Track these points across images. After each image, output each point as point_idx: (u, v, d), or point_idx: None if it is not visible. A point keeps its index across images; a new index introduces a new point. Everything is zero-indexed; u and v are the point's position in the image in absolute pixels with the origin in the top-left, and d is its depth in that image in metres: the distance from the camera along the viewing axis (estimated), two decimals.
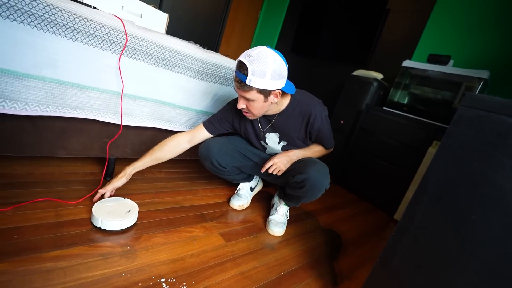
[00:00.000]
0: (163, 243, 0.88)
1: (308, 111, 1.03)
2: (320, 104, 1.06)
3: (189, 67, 1.10)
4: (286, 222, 1.18)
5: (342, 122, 2.18)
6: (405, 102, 1.97)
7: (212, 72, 1.18)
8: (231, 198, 1.25)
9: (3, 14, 0.71)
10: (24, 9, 0.74)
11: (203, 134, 1.09)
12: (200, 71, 1.14)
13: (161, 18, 1.39)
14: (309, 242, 1.19)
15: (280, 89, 0.91)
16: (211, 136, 1.11)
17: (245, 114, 0.99)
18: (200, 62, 1.12)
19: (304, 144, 1.13)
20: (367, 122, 1.98)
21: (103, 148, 1.04)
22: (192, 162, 1.63)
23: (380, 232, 1.55)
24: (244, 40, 3.51)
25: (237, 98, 1.09)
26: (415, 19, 2.24)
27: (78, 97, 0.90)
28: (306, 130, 1.07)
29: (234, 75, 0.88)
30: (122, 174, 0.98)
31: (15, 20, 0.73)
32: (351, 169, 2.05)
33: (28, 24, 0.75)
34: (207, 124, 1.10)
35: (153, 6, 1.36)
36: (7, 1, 0.71)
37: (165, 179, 1.33)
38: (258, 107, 0.92)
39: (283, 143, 1.11)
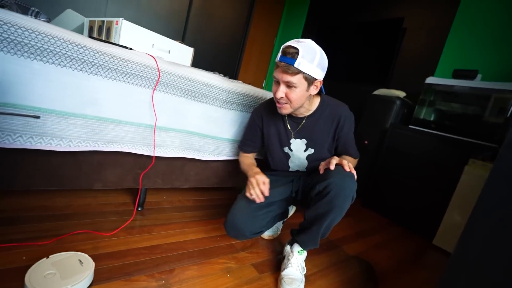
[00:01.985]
0: (196, 276, 0.86)
1: (338, 113, 1.01)
2: (348, 108, 1.04)
3: (216, 98, 1.14)
4: (304, 278, 0.94)
5: (366, 142, 2.13)
6: (432, 119, 1.91)
7: (238, 101, 1.21)
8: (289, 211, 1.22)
9: (56, 61, 0.78)
10: (73, 56, 0.81)
11: (252, 155, 1.18)
12: (227, 101, 1.17)
13: (187, 52, 1.47)
14: (345, 273, 1.12)
15: (321, 81, 0.91)
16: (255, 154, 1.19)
17: (280, 106, 0.93)
18: (227, 92, 1.16)
19: (329, 154, 1.07)
20: (394, 141, 1.92)
21: (136, 179, 1.07)
22: (220, 190, 1.63)
23: (419, 259, 1.43)
24: (261, 65, 3.62)
25: (261, 105, 1.13)
26: (433, 35, 2.23)
27: (115, 131, 0.95)
28: (335, 135, 1.03)
29: (277, 61, 0.87)
30: (258, 174, 0.94)
31: (64, 66, 0.80)
32: (380, 191, 1.97)
33: (76, 68, 0.82)
34: (246, 148, 1.15)
35: (179, 42, 1.44)
36: (59, 50, 0.78)
37: (193, 207, 1.33)
38: (298, 96, 0.89)
39: (309, 151, 1.05)
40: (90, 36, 1.13)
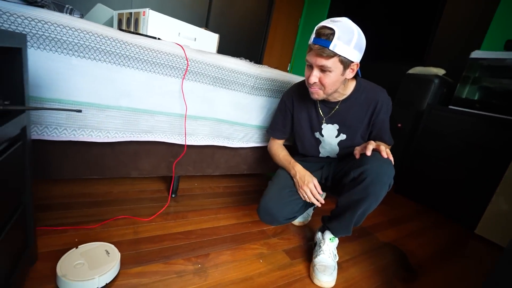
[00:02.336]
0: (230, 261, 0.89)
1: (375, 98, 0.94)
2: (386, 93, 0.97)
3: (244, 84, 1.12)
4: (336, 266, 0.93)
5: (399, 125, 2.01)
6: (477, 98, 1.74)
7: (266, 87, 1.18)
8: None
9: (91, 56, 0.81)
10: (106, 49, 0.83)
11: (281, 142, 1.15)
12: (255, 87, 1.15)
13: (212, 39, 1.45)
14: (378, 261, 1.09)
15: (358, 63, 0.85)
16: (284, 141, 1.16)
17: (313, 91, 0.89)
18: (254, 78, 1.13)
19: (362, 140, 1.02)
20: (431, 123, 1.78)
21: (169, 167, 1.11)
22: (249, 176, 1.65)
23: (459, 250, 1.35)
24: (285, 48, 3.51)
25: (291, 88, 1.09)
26: (481, 2, 1.98)
27: (148, 121, 0.98)
28: (370, 122, 0.97)
29: (310, 43, 0.82)
30: (302, 172, 0.98)
31: (99, 60, 0.83)
32: (415, 176, 1.86)
33: (109, 61, 0.84)
34: (276, 134, 1.12)
35: (204, 29, 1.43)
36: (94, 44, 0.80)
37: (224, 194, 1.37)
38: (333, 80, 0.84)
39: (341, 137, 1.00)
40: (120, 29, 1.16)
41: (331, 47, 0.76)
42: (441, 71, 1.89)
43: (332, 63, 0.80)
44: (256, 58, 3.20)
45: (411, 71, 2.02)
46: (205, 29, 1.44)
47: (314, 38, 0.80)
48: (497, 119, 1.51)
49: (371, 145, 0.80)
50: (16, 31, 0.71)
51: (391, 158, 0.80)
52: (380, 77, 2.56)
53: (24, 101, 0.59)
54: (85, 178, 1.20)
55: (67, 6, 1.23)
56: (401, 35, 2.51)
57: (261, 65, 1.23)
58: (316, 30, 0.80)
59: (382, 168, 0.80)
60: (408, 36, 2.44)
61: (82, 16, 1.31)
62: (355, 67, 0.85)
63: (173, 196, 1.21)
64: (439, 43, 2.23)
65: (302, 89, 1.04)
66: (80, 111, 0.60)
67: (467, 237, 1.49)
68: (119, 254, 0.76)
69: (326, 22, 0.79)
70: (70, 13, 1.22)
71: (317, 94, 0.89)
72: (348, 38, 0.77)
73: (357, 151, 0.86)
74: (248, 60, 1.30)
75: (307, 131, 1.06)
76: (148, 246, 0.87)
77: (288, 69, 3.63)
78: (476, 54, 1.67)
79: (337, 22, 0.77)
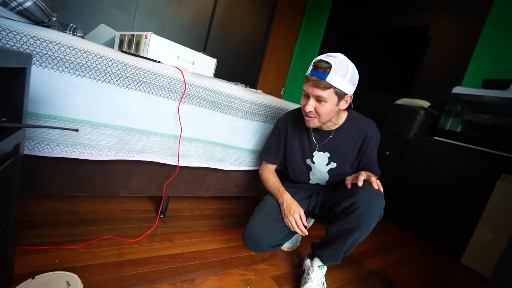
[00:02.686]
0: (217, 287, 0.87)
1: (365, 129, 1.00)
2: (375, 125, 1.03)
3: (239, 109, 1.15)
4: None
5: (387, 153, 2.07)
6: (460, 130, 1.83)
7: (260, 112, 1.22)
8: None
9: (92, 75, 0.83)
10: (107, 70, 0.85)
11: (272, 167, 1.17)
12: (249, 112, 1.19)
13: (210, 63, 1.51)
14: None
15: (351, 96, 0.90)
16: (275, 166, 1.17)
17: (308, 119, 0.93)
18: (249, 103, 1.17)
19: (351, 169, 1.05)
20: (418, 152, 1.85)
21: (159, 188, 1.10)
22: (239, 199, 1.64)
23: (446, 279, 1.36)
24: (280, 74, 3.64)
25: (286, 114, 1.13)
26: (460, 42, 2.15)
27: (142, 141, 0.98)
28: (359, 152, 1.01)
29: (308, 74, 0.87)
30: (290, 201, 0.99)
31: (99, 80, 0.85)
32: (402, 204, 1.89)
33: (109, 82, 0.87)
34: (269, 159, 1.14)
35: (203, 53, 1.49)
36: (95, 65, 0.83)
37: (213, 216, 1.35)
38: (328, 110, 0.88)
39: (331, 165, 1.03)
40: (121, 50, 1.19)
41: (327, 79, 0.82)
42: (426, 103, 1.99)
43: (327, 94, 0.85)
44: (251, 82, 3.30)
45: (398, 102, 2.12)
46: (203, 53, 1.50)
47: (312, 70, 0.86)
48: (479, 151, 1.58)
49: (362, 176, 0.83)
50: (21, 49, 0.73)
51: (381, 189, 0.83)
52: (370, 107, 2.68)
53: (21, 118, 0.60)
54: (73, 195, 1.17)
55: (71, 25, 1.28)
56: (390, 68, 2.66)
57: (256, 91, 1.28)
58: (314, 63, 0.86)
59: (373, 199, 0.83)
60: (396, 69, 2.59)
61: (84, 35, 1.36)
62: (348, 99, 0.91)
63: (161, 216, 1.19)
64: (424, 77, 2.37)
65: (296, 116, 1.08)
66: (77, 130, 0.61)
67: (452, 267, 1.50)
68: (82, 285, 0.70)
69: (324, 57, 0.85)
70: (73, 32, 1.26)
71: (312, 122, 0.93)
72: (343, 72, 0.83)
73: (348, 181, 0.89)
74: (243, 85, 1.35)
75: (298, 157, 1.08)
76: (132, 269, 0.85)
77: (282, 93, 3.74)
78: (457, 89, 1.78)
79: (333, 57, 0.84)
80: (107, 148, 0.92)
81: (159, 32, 1.90)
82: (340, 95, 0.87)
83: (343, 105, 0.91)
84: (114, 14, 2.26)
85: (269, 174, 1.13)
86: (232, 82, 1.31)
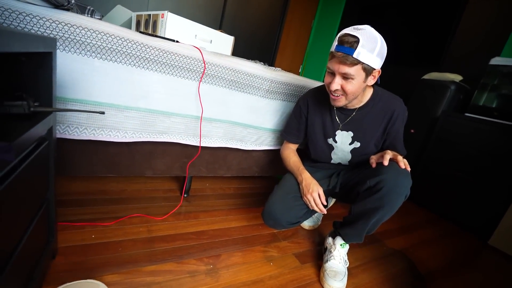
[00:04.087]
0: (241, 263, 0.90)
1: (392, 107, 0.94)
2: (403, 103, 0.97)
3: (259, 88, 1.13)
4: (347, 271, 0.94)
5: (412, 131, 1.98)
6: (495, 105, 1.70)
7: (281, 91, 1.19)
8: None
9: (113, 58, 0.84)
10: (127, 52, 0.85)
11: (294, 147, 1.15)
12: (270, 90, 1.16)
13: (228, 41, 1.47)
14: (388, 269, 1.08)
15: (379, 71, 0.85)
16: (297, 146, 1.16)
17: (334, 98, 0.88)
18: (270, 81, 1.14)
19: (375, 149, 1.01)
20: (445, 130, 1.75)
21: (182, 168, 1.13)
22: (259, 178, 1.66)
23: (472, 261, 1.33)
24: (298, 51, 3.50)
25: (307, 93, 1.09)
26: (503, 7, 1.93)
27: (164, 123, 1.00)
28: (385, 131, 0.96)
29: (333, 50, 0.81)
30: (309, 180, 0.99)
31: (120, 62, 0.85)
32: (427, 184, 1.83)
33: (130, 63, 0.87)
34: (290, 138, 1.13)
35: (220, 31, 1.45)
36: (116, 47, 0.83)
37: (235, 195, 1.38)
38: (355, 87, 0.84)
39: (355, 145, 0.99)
40: (139, 31, 1.18)
41: (355, 55, 0.76)
42: (458, 77, 1.85)
43: (355, 71, 0.79)
44: (269, 60, 3.20)
45: (426, 76, 1.99)
46: (220, 31, 1.46)
47: (337, 45, 0.79)
48: None
49: (388, 155, 0.80)
50: (45, 34, 0.74)
51: (409, 168, 0.79)
52: (394, 82, 2.53)
53: (51, 102, 0.62)
54: (100, 176, 1.23)
55: (88, 7, 1.27)
56: (417, 39, 2.47)
57: (275, 68, 1.24)
58: (339, 37, 0.79)
59: (399, 179, 0.80)
60: (424, 41, 2.40)
61: (102, 17, 1.35)
62: (376, 74, 0.85)
63: (185, 196, 1.23)
64: (456, 49, 2.18)
65: (318, 94, 1.04)
66: (103, 113, 0.62)
67: (480, 248, 1.46)
68: None
69: (350, 30, 0.78)
70: (91, 15, 1.26)
71: (339, 101, 0.89)
72: (372, 46, 0.77)
73: (373, 159, 0.86)
74: (262, 63, 1.31)
75: (320, 136, 1.06)
76: (161, 245, 0.89)
77: (300, 71, 3.62)
78: (495, 61, 1.63)
79: (361, 30, 0.77)
80: (131, 130, 0.94)
81: (174, 11, 1.86)
82: (368, 70, 0.81)
83: (371, 81, 0.86)
84: None
85: (290, 153, 1.11)
86: (250, 60, 1.28)
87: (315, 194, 0.95)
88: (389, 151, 0.82)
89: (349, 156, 1.04)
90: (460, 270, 1.21)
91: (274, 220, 0.99)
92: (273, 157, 1.33)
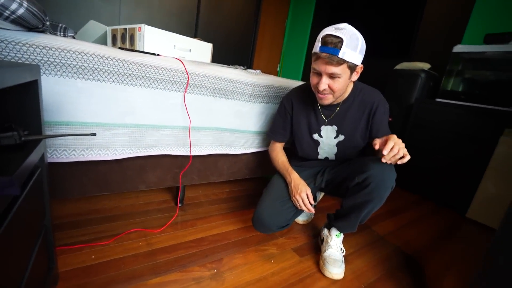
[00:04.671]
0: (244, 263, 0.93)
1: (371, 99, 0.98)
2: (381, 95, 1.01)
3: (242, 93, 1.16)
4: (343, 259, 1.00)
5: (390, 119, 2.08)
6: (461, 90, 1.83)
7: (263, 93, 1.23)
8: None
9: (96, 77, 0.84)
10: (109, 70, 0.85)
11: (281, 145, 1.17)
12: (253, 95, 1.19)
13: (206, 49, 1.49)
14: (380, 252, 1.15)
15: (361, 66, 0.89)
16: (283, 144, 1.18)
17: (322, 97, 0.91)
18: (252, 86, 1.18)
19: (362, 142, 1.05)
20: (420, 117, 1.87)
21: (175, 178, 1.14)
22: (249, 180, 1.69)
23: (454, 234, 1.44)
24: (274, 50, 3.56)
25: (291, 92, 1.11)
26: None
27: (153, 136, 1.01)
28: (368, 122, 1.00)
29: (317, 52, 0.83)
30: (297, 181, 1.02)
31: (103, 80, 0.85)
32: (408, 168, 1.94)
33: (113, 81, 0.87)
34: (276, 137, 1.15)
35: (198, 39, 1.46)
36: (97, 66, 0.83)
37: (228, 199, 1.40)
38: (342, 85, 0.87)
39: (340, 138, 1.04)
40: (116, 46, 1.18)
41: (340, 55, 0.79)
42: (426, 66, 1.97)
43: (341, 70, 0.83)
44: (247, 62, 3.24)
45: (398, 66, 2.10)
46: (198, 39, 1.48)
47: (321, 46, 0.82)
48: (481, 109, 1.60)
49: (391, 143, 0.76)
50: (22, 59, 0.73)
51: (407, 157, 0.77)
52: (369, 74, 2.64)
53: (41, 129, 0.62)
54: (92, 195, 1.21)
55: (60, 25, 1.24)
56: (387, 32, 2.60)
57: (256, 71, 1.27)
58: (322, 38, 0.81)
59: (385, 173, 0.86)
60: (394, 33, 2.53)
61: (75, 34, 1.32)
62: (359, 70, 0.90)
63: (180, 205, 1.24)
64: (423, 38, 2.32)
65: (300, 93, 1.08)
66: (94, 134, 0.63)
67: (459, 222, 1.58)
68: None
69: (331, 30, 0.81)
70: (64, 32, 1.23)
71: (326, 99, 0.92)
72: (354, 44, 0.81)
73: (377, 141, 0.84)
74: (242, 67, 1.34)
75: (305, 133, 1.09)
76: (163, 257, 0.91)
77: (278, 69, 3.68)
78: (457, 48, 1.76)
79: (342, 29, 0.80)
80: (121, 146, 0.95)
81: (147, 21, 1.84)
82: (353, 68, 0.85)
83: (355, 77, 0.90)
84: (98, 6, 2.17)
85: (278, 154, 1.15)
86: (231, 66, 1.31)
87: (303, 194, 0.99)
88: (393, 136, 0.79)
89: (335, 150, 1.08)
90: (444, 243, 1.30)
91: (264, 226, 1.02)
92: (261, 158, 1.37)
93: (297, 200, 1.00)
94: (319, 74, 0.87)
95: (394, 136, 0.79)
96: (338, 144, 1.06)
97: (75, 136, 0.85)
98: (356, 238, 1.22)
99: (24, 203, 0.50)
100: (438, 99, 1.82)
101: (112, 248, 0.91)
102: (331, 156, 1.11)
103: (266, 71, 1.50)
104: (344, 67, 0.83)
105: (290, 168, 1.08)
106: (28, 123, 0.60)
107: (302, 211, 1.07)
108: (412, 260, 1.13)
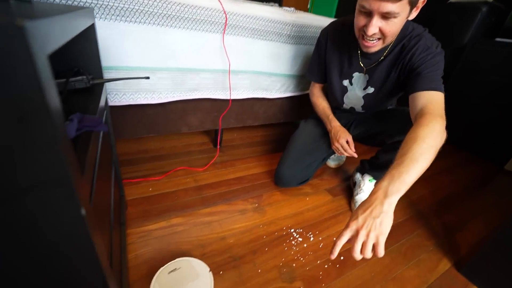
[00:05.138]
0: (281, 200, 1.03)
1: (410, 45, 0.78)
2: (427, 36, 0.79)
3: (280, 33, 1.10)
4: None
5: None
6: None
7: (301, 34, 1.15)
8: (329, 158, 1.29)
9: (137, 19, 0.83)
10: (149, 11, 0.83)
11: (320, 88, 1.11)
12: (291, 36, 1.13)
13: None
14: (410, 196, 1.20)
15: (424, 0, 0.69)
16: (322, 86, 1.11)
17: (369, 45, 0.75)
18: (290, 26, 1.10)
19: (390, 98, 0.92)
20: (471, 60, 1.68)
21: (214, 121, 1.19)
22: (283, 125, 1.71)
23: (488, 184, 1.43)
24: None
25: (330, 26, 0.97)
26: None
27: (194, 80, 1.02)
28: (400, 74, 0.82)
29: None
30: (337, 128, 0.98)
31: (144, 22, 0.84)
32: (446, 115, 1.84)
33: (154, 23, 0.86)
34: (313, 77, 1.07)
35: None
36: (138, 7, 0.81)
37: (262, 142, 1.46)
38: (397, 27, 0.71)
39: (368, 90, 0.93)
40: None
41: None
42: None
43: (400, 7, 0.65)
44: None
45: None
46: None
47: None
48: None
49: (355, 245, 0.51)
50: (68, 3, 0.73)
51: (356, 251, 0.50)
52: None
53: (101, 73, 0.66)
54: (139, 137, 1.31)
55: None
56: None
57: (290, 9, 1.17)
58: None
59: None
60: None
61: None
62: (420, 4, 0.70)
63: (219, 147, 1.32)
64: None
65: (340, 27, 0.94)
66: (148, 77, 0.66)
67: (496, 173, 1.55)
68: (210, 272, 0.66)
69: None
70: None
71: (375, 47, 0.76)
72: None
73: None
74: (277, 3, 1.24)
75: (335, 75, 0.99)
76: (209, 191, 1.02)
77: (308, 7, 3.33)
78: None
79: None
80: (164, 90, 0.98)
81: None
82: (414, 3, 0.66)
83: (414, 14, 0.71)
84: None
85: (318, 99, 1.10)
86: (266, 3, 1.21)
87: (342, 141, 0.95)
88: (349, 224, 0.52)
89: (361, 102, 1.00)
90: (476, 193, 1.32)
91: (284, 184, 1.06)
92: (296, 103, 1.36)
93: (337, 148, 0.98)
94: (369, 14, 0.69)
95: (351, 224, 0.51)
96: (365, 97, 0.98)
97: (125, 81, 0.89)
98: None
99: (103, 140, 0.56)
100: (498, 39, 1.60)
101: (164, 183, 1.03)
102: (358, 107, 1.04)
103: (296, 7, 1.36)
104: (404, 3, 0.64)
105: (331, 115, 1.04)
106: (90, 68, 0.64)
107: (322, 164, 1.08)
108: (441, 204, 1.17)
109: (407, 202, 1.15)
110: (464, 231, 1.03)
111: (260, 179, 1.13)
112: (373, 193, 0.53)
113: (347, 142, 0.96)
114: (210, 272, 0.66)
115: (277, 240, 0.84)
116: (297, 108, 1.39)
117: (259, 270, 0.74)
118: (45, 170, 0.22)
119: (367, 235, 0.48)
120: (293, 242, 0.84)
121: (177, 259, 0.68)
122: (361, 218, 0.49)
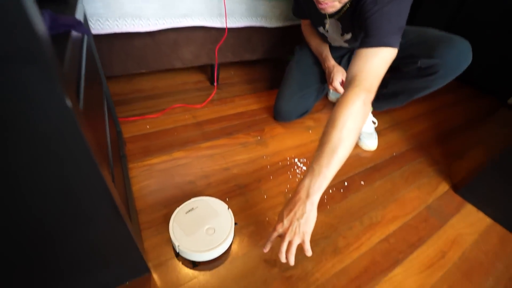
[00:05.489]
0: (284, 133, 1.01)
1: None
2: None
3: None
4: (375, 132, 1.00)
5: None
6: None
7: None
8: (329, 92, 1.26)
9: None
10: None
11: (308, 22, 1.02)
12: None
13: None
14: (414, 128, 1.19)
15: None
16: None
17: (324, 7, 0.69)
18: None
19: None
20: None
21: (209, 55, 1.10)
22: (283, 62, 1.61)
23: (490, 116, 1.41)
24: None
25: None
26: None
27: (185, 2, 0.91)
28: (359, 21, 0.71)
29: None
30: (331, 68, 0.93)
31: None
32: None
33: None
34: (297, 12, 1.01)
35: None
36: None
37: (260, 79, 1.39)
38: None
39: (346, 36, 0.86)
40: None
41: None
42: None
43: None
44: None
45: None
46: None
47: None
48: None
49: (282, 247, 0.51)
50: None
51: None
52: None
53: None
54: (127, 77, 1.23)
55: None
56: None
57: None
58: None
59: (460, 60, 0.72)
60: None
61: None
62: None
63: (216, 84, 1.25)
64: None
65: None
66: None
67: (497, 107, 1.52)
68: (230, 209, 0.65)
69: None
70: None
71: (331, 7, 0.69)
72: None
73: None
74: None
75: (312, 21, 0.94)
76: (210, 127, 0.99)
77: None
78: None
79: None
80: (153, 16, 0.88)
81: None
82: None
83: None
84: None
85: (310, 36, 1.02)
86: None
87: (335, 83, 0.92)
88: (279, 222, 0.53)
89: (346, 45, 0.93)
90: (478, 125, 1.31)
91: (284, 118, 1.03)
92: (296, 34, 1.25)
93: (335, 89, 0.94)
94: None
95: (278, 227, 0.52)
96: (347, 41, 0.90)
97: (105, 3, 0.78)
98: (390, 115, 1.24)
99: (88, 57, 0.50)
100: None
101: (162, 120, 1.00)
102: (347, 46, 0.96)
103: None
104: None
105: (324, 53, 0.98)
106: None
107: (321, 95, 1.06)
108: (443, 135, 1.17)
109: (409, 134, 1.14)
110: (464, 159, 1.04)
111: (261, 114, 1.10)
112: (296, 193, 0.52)
113: (343, 82, 0.91)
114: (229, 209, 0.65)
115: (281, 169, 0.85)
116: (297, 41, 1.28)
117: (265, 196, 0.75)
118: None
119: (293, 237, 0.49)
120: (297, 171, 0.85)
121: (192, 199, 0.65)
122: (286, 221, 0.50)
